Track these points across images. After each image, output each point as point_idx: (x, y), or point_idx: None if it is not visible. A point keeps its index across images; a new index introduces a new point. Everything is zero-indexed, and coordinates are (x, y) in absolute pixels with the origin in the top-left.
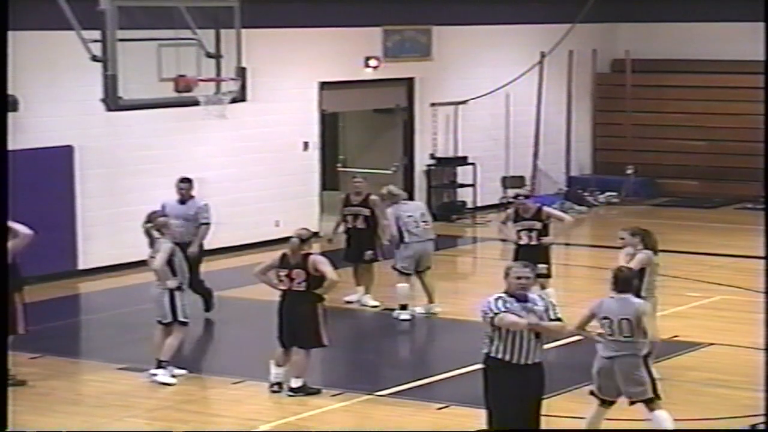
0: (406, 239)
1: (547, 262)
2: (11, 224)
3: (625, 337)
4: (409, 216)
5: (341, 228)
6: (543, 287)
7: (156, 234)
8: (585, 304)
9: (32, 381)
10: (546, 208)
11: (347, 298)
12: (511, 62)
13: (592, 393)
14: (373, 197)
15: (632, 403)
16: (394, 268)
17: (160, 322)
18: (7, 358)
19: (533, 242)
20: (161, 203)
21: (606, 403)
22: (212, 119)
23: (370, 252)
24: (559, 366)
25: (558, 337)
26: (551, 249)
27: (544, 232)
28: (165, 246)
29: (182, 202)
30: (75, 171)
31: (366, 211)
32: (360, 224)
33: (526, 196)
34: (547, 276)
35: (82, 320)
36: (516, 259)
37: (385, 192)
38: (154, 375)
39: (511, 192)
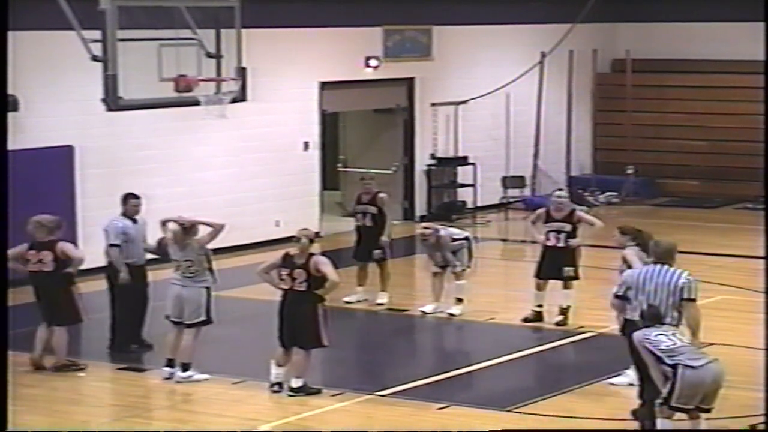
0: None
1: (573, 264)
2: (66, 247)
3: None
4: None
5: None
6: (566, 287)
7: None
8: (585, 303)
9: (32, 381)
10: (578, 212)
11: (346, 299)
12: (511, 62)
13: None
14: (381, 195)
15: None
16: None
17: (174, 323)
18: (7, 357)
19: (560, 244)
20: (116, 226)
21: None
22: (212, 119)
23: (378, 251)
24: (559, 366)
25: None
26: (580, 251)
27: (572, 234)
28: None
29: (134, 220)
30: (75, 171)
31: (373, 209)
32: (368, 222)
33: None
34: (575, 278)
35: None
36: (542, 260)
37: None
38: (188, 378)
39: (511, 192)
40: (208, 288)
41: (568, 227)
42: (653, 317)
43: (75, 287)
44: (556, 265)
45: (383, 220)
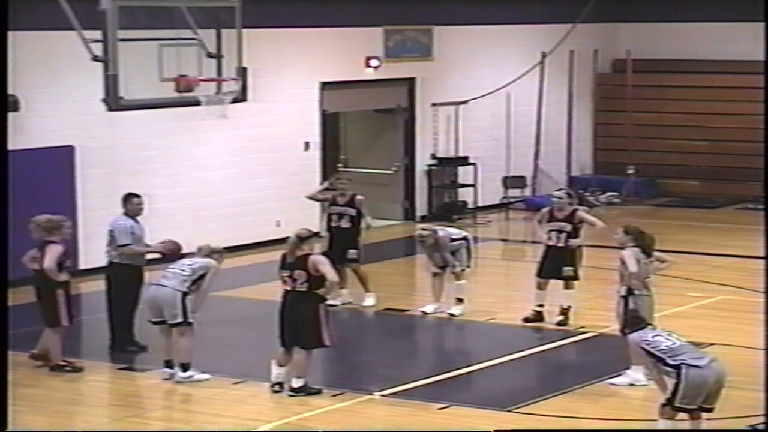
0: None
1: (573, 264)
2: (48, 252)
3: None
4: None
5: (323, 227)
6: (567, 287)
7: None
8: (585, 303)
9: (32, 381)
10: (580, 212)
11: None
12: (512, 62)
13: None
14: (359, 197)
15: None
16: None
17: (155, 323)
18: (7, 357)
19: (560, 244)
20: (124, 226)
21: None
22: (213, 119)
23: (353, 251)
24: (560, 366)
25: None
26: (581, 251)
27: (573, 234)
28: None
29: (136, 220)
30: (76, 171)
31: (352, 211)
32: (344, 224)
33: (569, 194)
34: (574, 278)
35: (83, 320)
36: (544, 259)
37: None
38: (189, 378)
39: (511, 192)
40: (183, 292)
41: (568, 227)
42: (640, 320)
43: (62, 291)
44: (556, 264)
45: (359, 221)
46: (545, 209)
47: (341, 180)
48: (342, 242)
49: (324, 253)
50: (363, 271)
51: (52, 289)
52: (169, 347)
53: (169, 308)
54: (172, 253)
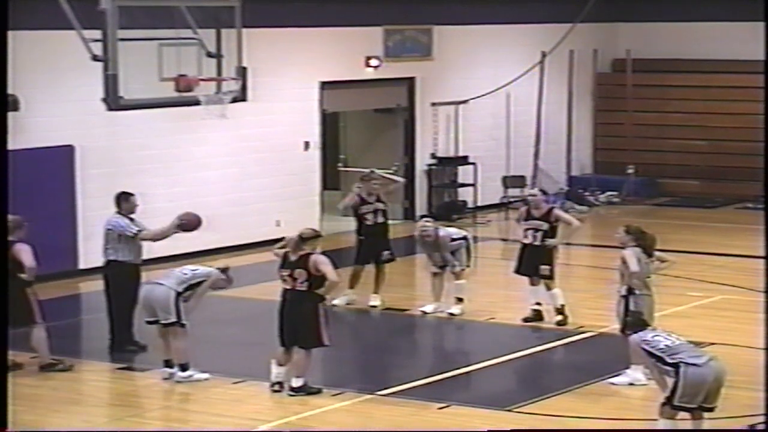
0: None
1: (549, 263)
2: (21, 252)
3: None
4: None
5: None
6: (549, 288)
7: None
8: (585, 303)
9: (32, 381)
10: (556, 210)
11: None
12: (511, 62)
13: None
14: (381, 192)
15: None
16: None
17: (149, 323)
18: (6, 357)
19: (537, 243)
20: (121, 224)
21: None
22: (213, 119)
23: (387, 252)
24: (560, 366)
25: None
26: (557, 250)
27: (550, 233)
28: None
29: (132, 219)
30: (75, 171)
31: (382, 206)
32: (379, 218)
33: (543, 192)
34: (549, 277)
35: (83, 320)
36: (521, 258)
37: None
38: (188, 378)
39: (511, 191)
40: (177, 292)
41: (544, 226)
42: (641, 321)
43: (31, 289)
44: (532, 263)
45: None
46: (523, 207)
47: (376, 182)
48: (377, 241)
49: (356, 256)
50: (385, 273)
51: (23, 288)
52: (167, 347)
53: (161, 308)
54: (191, 224)
